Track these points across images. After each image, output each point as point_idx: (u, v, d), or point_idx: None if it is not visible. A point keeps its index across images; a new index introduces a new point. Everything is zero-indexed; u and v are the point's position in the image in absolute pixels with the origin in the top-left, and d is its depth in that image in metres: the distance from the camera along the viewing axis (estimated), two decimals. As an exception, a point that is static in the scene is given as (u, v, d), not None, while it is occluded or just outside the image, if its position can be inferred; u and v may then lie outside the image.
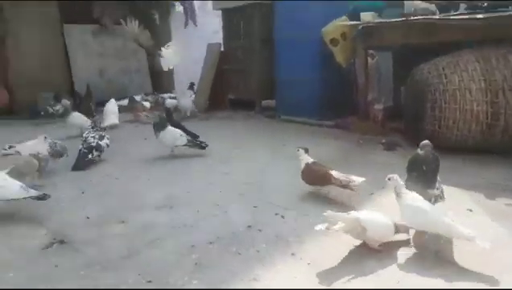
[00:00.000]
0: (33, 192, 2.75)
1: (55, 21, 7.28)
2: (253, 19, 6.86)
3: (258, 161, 4.21)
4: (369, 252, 2.21)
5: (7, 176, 2.78)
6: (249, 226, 2.63)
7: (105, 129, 4.68)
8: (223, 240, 2.45)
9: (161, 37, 8.77)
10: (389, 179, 2.28)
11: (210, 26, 9.04)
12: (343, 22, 5.32)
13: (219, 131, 5.82)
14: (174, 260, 2.23)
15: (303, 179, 3.10)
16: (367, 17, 4.98)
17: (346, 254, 2.22)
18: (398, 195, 2.24)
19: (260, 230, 2.57)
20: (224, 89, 7.72)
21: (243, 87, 7.48)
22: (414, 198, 2.22)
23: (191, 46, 8.61)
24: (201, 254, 2.29)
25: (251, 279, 2.03)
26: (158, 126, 4.20)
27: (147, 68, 8.65)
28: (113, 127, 5.63)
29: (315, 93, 6.04)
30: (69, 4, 7.23)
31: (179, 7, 8.57)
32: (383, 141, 4.53)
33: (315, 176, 3.04)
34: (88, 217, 2.83)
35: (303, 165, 3.10)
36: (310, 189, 3.12)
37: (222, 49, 7.62)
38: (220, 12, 7.73)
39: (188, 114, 6.54)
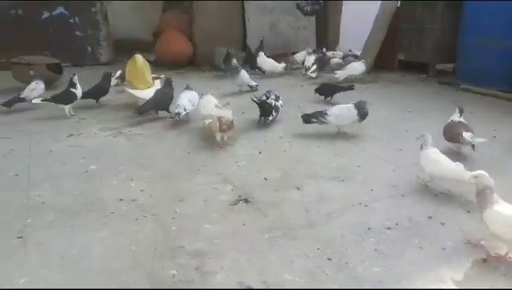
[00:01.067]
0: None
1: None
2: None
3: (434, 139, 3.86)
4: None
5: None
6: (430, 217, 2.46)
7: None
8: (402, 228, 2.35)
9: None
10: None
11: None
12: None
13: (386, 96, 5.51)
14: (352, 240, 2.24)
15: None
16: None
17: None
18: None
19: (443, 224, 2.39)
20: (394, 50, 7.21)
21: (416, 48, 6.89)
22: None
23: (362, 1, 8.19)
24: (379, 239, 2.25)
25: (438, 281, 1.91)
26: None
27: (314, 25, 8.56)
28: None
29: (509, 60, 5.18)
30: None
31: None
32: None
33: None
34: (265, 179, 3.02)
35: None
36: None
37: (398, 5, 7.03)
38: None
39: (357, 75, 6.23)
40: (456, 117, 3.53)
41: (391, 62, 7.28)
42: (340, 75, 6.01)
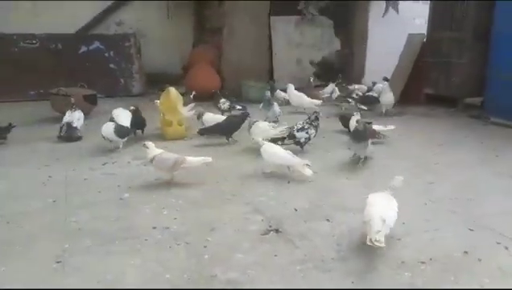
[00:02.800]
0: None
1: (265, 13, 7.90)
2: (469, 10, 6.17)
3: (464, 172, 3.83)
4: None
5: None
6: (466, 252, 2.41)
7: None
8: (437, 263, 2.31)
9: (357, 25, 8.70)
10: None
11: (408, 14, 8.49)
12: None
13: (413, 130, 5.48)
14: (385, 274, 2.21)
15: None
16: None
17: None
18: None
19: (479, 260, 2.34)
20: (420, 83, 7.21)
21: (444, 82, 6.87)
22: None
23: (387, 34, 8.28)
24: (414, 273, 2.21)
25: (476, 319, 1.86)
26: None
27: (340, 59, 8.70)
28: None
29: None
30: (279, -3, 7.79)
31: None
32: None
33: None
34: (295, 209, 3.03)
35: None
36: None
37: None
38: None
39: (384, 111, 6.23)
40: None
41: (418, 96, 7.25)
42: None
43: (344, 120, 5.10)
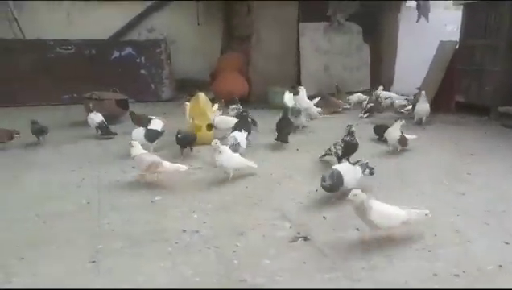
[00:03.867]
0: None
1: (293, 20, 7.94)
2: (504, 17, 6.03)
3: (497, 182, 3.72)
4: None
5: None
6: (501, 266, 2.35)
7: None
8: (470, 276, 2.26)
9: (387, 32, 8.62)
10: None
11: (439, 21, 8.33)
12: None
13: (443, 138, 5.36)
14: (417, 287, 2.17)
15: None
16: None
17: None
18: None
19: (515, 274, 2.27)
20: (451, 91, 7.06)
21: (476, 90, 6.72)
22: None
23: (417, 41, 8.16)
24: (446, 286, 2.17)
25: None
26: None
27: (368, 65, 8.61)
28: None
29: None
30: (308, 4, 7.80)
31: (410, 2, 8.18)
32: None
33: None
34: (324, 217, 3.02)
35: None
36: None
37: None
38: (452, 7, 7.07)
39: (423, 121, 6.01)
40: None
41: (448, 104, 7.11)
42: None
43: (379, 129, 5.05)
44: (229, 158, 3.68)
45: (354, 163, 3.54)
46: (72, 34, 7.87)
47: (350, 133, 3.99)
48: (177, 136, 4.38)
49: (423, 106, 5.99)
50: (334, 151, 4.03)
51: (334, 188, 3.22)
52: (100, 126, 5.09)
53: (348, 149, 3.97)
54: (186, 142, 4.44)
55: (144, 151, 3.75)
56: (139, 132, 4.46)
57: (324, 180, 3.18)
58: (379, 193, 3.50)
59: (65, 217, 3.00)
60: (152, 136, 4.50)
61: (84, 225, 2.87)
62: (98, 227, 2.83)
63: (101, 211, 3.09)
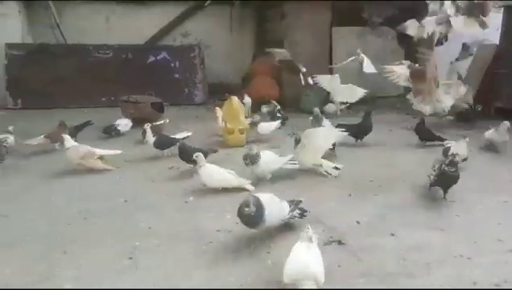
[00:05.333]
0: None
1: (326, 24, 7.91)
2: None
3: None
4: None
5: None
6: (544, 277, 2.25)
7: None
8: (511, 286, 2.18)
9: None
10: None
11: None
12: None
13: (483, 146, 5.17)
14: (456, 294, 2.12)
15: None
16: None
17: None
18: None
19: (561, 286, 2.17)
20: (490, 96, 6.83)
21: (517, 95, 6.44)
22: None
23: (453, 45, 7.94)
24: (487, 295, 2.10)
25: None
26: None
27: (404, 69, 8.44)
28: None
29: None
30: (341, 8, 7.75)
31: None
32: None
33: None
34: (358, 222, 2.98)
35: None
36: None
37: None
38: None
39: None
40: None
41: (487, 109, 6.87)
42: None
43: (423, 133, 4.97)
44: (211, 174, 3.48)
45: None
46: (110, 38, 8.14)
47: (453, 163, 3.27)
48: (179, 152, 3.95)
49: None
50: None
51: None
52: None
53: (444, 180, 3.32)
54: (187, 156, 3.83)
55: (76, 144, 4.14)
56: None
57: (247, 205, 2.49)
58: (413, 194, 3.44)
59: (104, 214, 3.10)
60: (162, 143, 4.48)
61: (122, 222, 2.97)
62: (135, 225, 2.92)
63: (138, 209, 3.18)
